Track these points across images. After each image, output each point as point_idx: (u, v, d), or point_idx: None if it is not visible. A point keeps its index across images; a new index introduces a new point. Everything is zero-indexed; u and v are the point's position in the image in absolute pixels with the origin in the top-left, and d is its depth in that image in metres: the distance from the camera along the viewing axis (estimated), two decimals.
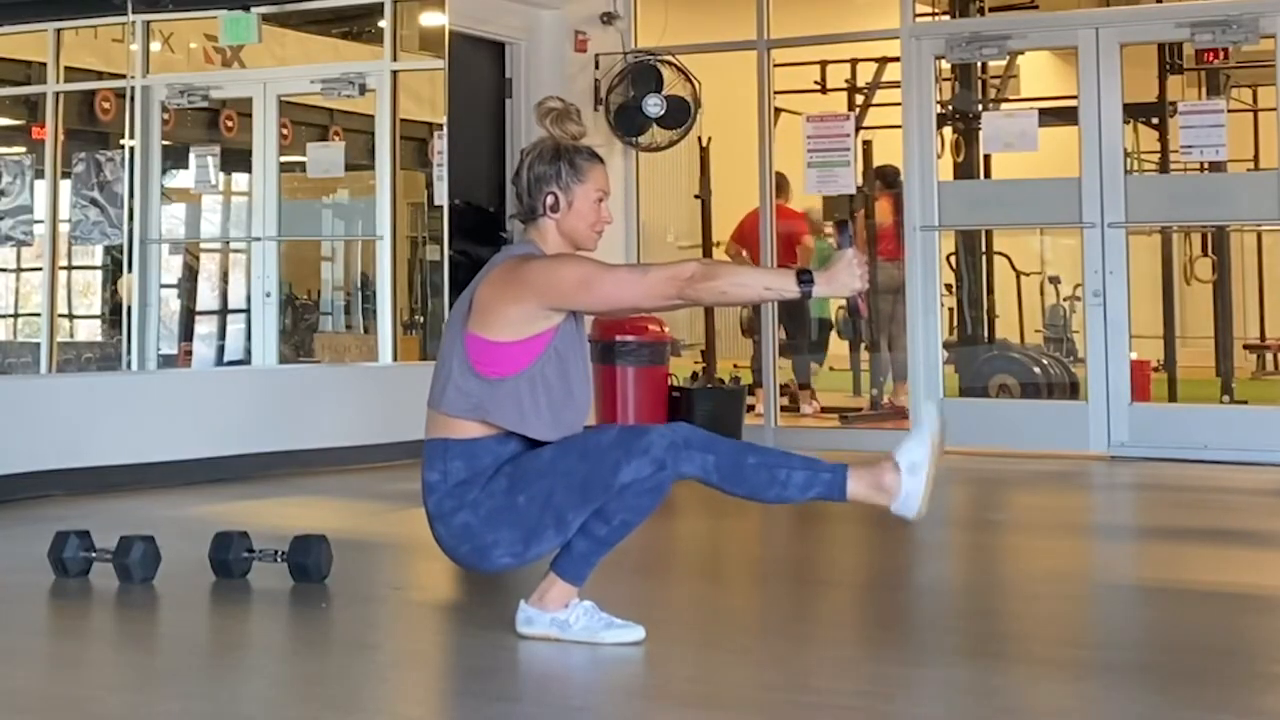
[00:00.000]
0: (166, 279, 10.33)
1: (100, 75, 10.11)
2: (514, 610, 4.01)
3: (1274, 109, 9.56)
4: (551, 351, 3.90)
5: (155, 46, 10.06)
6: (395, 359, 9.50)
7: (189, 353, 10.28)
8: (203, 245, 10.87)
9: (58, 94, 10.00)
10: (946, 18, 10.26)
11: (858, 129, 9.97)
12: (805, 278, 3.78)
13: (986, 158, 10.35)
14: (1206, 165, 9.54)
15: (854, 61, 11.32)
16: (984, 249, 10.86)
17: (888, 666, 3.89)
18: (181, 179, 10.34)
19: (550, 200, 3.97)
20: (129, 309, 9.64)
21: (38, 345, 10.09)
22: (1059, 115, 9.71)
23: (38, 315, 10.18)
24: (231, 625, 4.48)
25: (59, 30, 9.96)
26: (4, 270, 10.36)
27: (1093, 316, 8.80)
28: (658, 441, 3.81)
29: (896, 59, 9.49)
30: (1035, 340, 12.13)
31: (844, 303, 10.25)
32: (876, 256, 10.38)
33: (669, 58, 9.62)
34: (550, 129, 4.00)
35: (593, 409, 4.08)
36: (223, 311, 10.66)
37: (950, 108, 10.44)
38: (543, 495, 3.84)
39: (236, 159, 10.36)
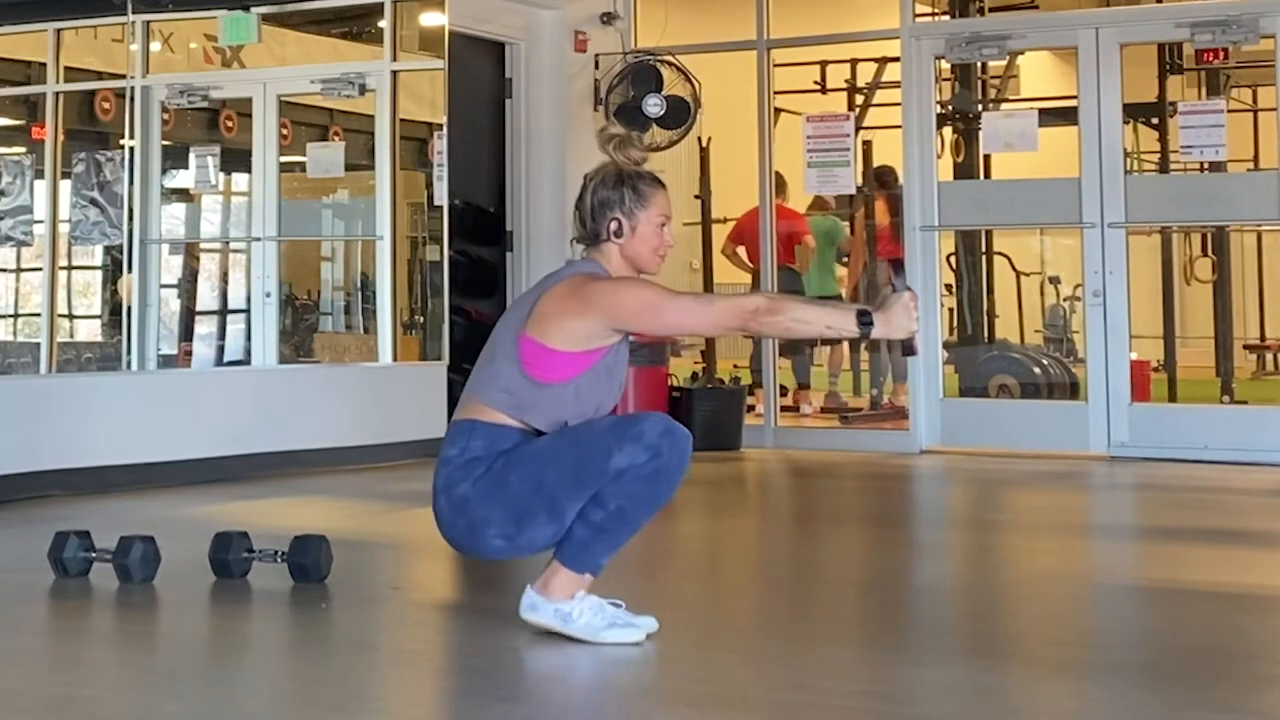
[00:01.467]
0: (166, 279, 10.32)
1: (100, 75, 10.10)
2: (516, 609, 4.00)
3: (1274, 109, 9.56)
4: (601, 367, 3.98)
5: (155, 46, 10.06)
6: (395, 359, 9.50)
7: (189, 353, 10.28)
8: (203, 245, 10.87)
9: (58, 94, 10.00)
10: (946, 18, 10.26)
11: (858, 129, 9.98)
12: (865, 319, 3.83)
13: (986, 158, 10.36)
14: (1206, 165, 9.54)
15: (854, 61, 11.33)
16: (984, 249, 10.87)
17: (888, 666, 3.89)
18: (181, 179, 10.33)
19: (614, 225, 4.02)
20: (129, 309, 9.64)
21: (38, 345, 10.08)
22: (1059, 115, 9.72)
23: (38, 315, 10.18)
24: (231, 625, 4.48)
25: (59, 30, 9.95)
26: (4, 270, 10.36)
27: (1093, 316, 8.80)
28: (650, 429, 3.85)
29: (896, 59, 9.49)
30: (1035, 340, 12.14)
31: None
32: (876, 257, 10.40)
33: (669, 58, 9.62)
34: (613, 154, 4.06)
35: None
36: (223, 311, 10.66)
37: (950, 108, 10.44)
38: (534, 477, 3.88)
39: (236, 159, 10.36)
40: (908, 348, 3.99)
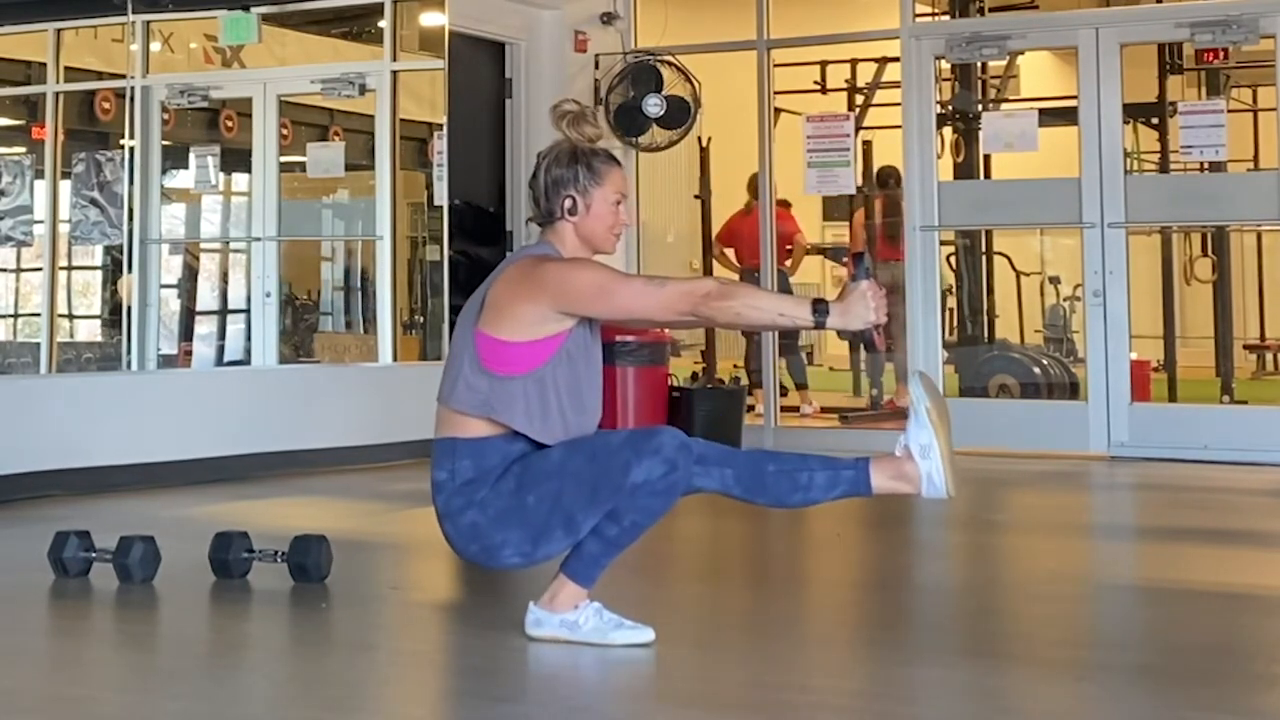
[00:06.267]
0: (166, 279, 10.33)
1: (100, 75, 10.11)
2: (515, 610, 4.01)
3: (1274, 109, 9.57)
4: (563, 354, 3.88)
5: (155, 46, 10.07)
6: (395, 359, 9.50)
7: (189, 353, 10.29)
8: (203, 245, 10.88)
9: (58, 94, 10.00)
10: (946, 18, 10.26)
11: (858, 129, 9.98)
12: (820, 308, 3.74)
13: (986, 158, 10.35)
14: (1206, 165, 9.54)
15: (854, 61, 11.33)
16: (984, 249, 10.87)
17: (888, 666, 3.89)
18: (181, 179, 10.34)
19: (568, 203, 3.94)
20: (129, 309, 9.64)
21: (38, 345, 10.09)
22: (1059, 115, 9.72)
23: (38, 315, 10.19)
24: (231, 625, 4.48)
25: (59, 30, 9.96)
26: (4, 270, 10.36)
27: (1093, 316, 8.80)
28: (668, 442, 3.80)
29: (896, 59, 9.49)
30: (1035, 340, 12.13)
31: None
32: (877, 257, 10.40)
33: (669, 58, 9.62)
34: (566, 132, 3.97)
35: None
36: (223, 311, 10.66)
37: (950, 108, 10.44)
38: (552, 496, 3.82)
39: (236, 159, 10.36)
40: (868, 341, 3.87)
